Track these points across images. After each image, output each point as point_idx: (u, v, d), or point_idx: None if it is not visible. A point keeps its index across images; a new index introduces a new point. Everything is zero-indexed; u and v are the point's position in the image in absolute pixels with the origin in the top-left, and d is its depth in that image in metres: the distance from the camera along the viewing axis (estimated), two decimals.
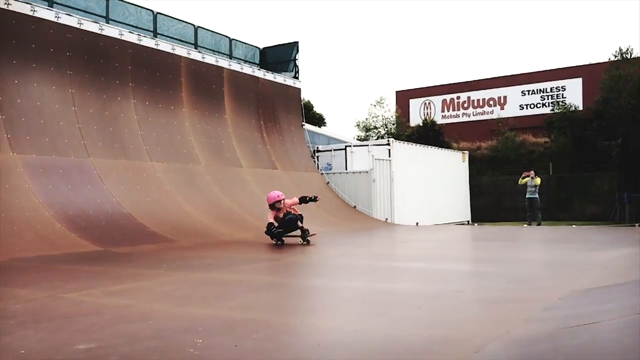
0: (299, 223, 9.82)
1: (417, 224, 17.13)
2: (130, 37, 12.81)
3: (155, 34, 14.23)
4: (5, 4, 10.27)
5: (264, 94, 16.73)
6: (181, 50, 14.15)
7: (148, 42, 13.29)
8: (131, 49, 12.74)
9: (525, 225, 17.39)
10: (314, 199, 10.36)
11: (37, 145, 10.08)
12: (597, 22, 59.43)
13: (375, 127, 32.49)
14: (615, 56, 25.37)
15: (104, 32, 12.15)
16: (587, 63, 29.51)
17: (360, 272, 6.75)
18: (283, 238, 9.87)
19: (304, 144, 18.03)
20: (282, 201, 9.85)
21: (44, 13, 11.03)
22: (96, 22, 12.17)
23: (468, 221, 22.29)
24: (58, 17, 11.26)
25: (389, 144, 18.30)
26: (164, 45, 13.70)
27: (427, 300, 4.57)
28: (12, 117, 9.96)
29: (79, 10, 12.32)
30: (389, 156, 17.92)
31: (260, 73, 16.82)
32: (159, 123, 13.00)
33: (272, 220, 9.75)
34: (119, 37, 12.47)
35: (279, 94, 17.38)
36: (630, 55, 25.00)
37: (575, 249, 9.13)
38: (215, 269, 6.89)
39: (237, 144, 15.01)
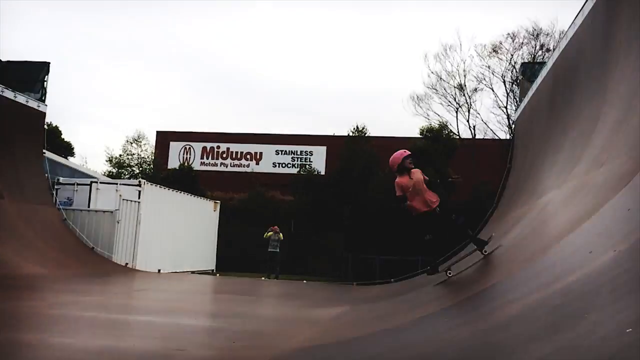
0: (469, 231, 7.25)
1: (159, 270, 16.65)
2: None
3: None
4: None
5: None
6: None
7: None
8: None
9: (263, 278, 18.31)
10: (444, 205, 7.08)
11: None
12: (342, 99, 68.07)
13: (130, 166, 31.00)
14: (353, 132, 29.25)
15: None
16: (331, 134, 33.41)
17: (80, 326, 6.21)
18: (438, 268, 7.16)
19: (41, 174, 16.15)
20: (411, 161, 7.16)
21: None
22: None
23: (212, 270, 22.53)
24: None
25: (139, 185, 17.64)
26: None
27: None
28: None
29: None
30: (139, 197, 17.24)
31: None
32: None
33: (401, 193, 6.98)
34: None
35: (18, 115, 15.38)
36: (365, 134, 29.13)
37: (302, 305, 9.95)
38: None
39: None
